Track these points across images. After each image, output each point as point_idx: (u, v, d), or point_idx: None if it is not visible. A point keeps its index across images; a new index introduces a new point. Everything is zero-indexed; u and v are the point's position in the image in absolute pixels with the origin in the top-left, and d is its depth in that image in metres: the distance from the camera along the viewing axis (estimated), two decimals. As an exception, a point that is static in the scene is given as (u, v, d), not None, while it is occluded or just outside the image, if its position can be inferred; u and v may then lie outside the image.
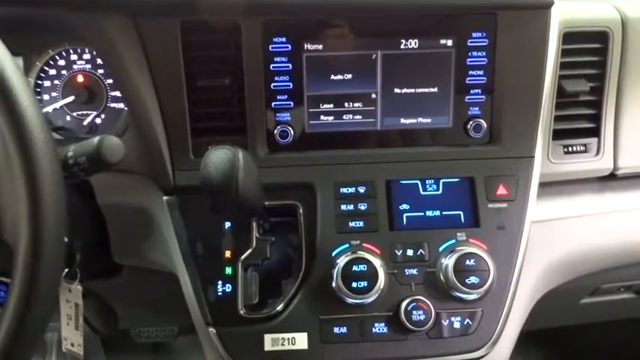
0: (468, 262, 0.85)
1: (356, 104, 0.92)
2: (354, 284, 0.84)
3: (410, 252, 0.88)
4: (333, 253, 0.87)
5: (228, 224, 0.89)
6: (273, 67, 0.89)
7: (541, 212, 0.94)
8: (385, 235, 0.89)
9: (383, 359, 0.87)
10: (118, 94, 0.99)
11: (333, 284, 0.85)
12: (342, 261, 0.85)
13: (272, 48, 0.89)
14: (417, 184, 0.92)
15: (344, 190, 0.90)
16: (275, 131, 0.92)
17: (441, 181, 0.92)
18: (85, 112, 1.00)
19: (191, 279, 0.88)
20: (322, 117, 0.92)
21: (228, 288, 0.87)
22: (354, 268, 0.84)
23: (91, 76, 1.00)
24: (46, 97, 1.00)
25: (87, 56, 1.00)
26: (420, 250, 0.88)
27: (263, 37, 0.88)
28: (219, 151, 0.72)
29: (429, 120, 0.93)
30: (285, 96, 0.91)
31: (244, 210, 0.80)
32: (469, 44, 0.90)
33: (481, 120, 0.93)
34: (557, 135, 0.98)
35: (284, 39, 0.88)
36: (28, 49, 0.98)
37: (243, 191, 0.72)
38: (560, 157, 0.99)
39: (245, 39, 0.87)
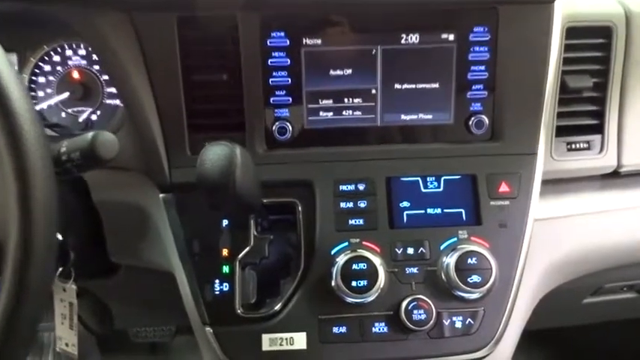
0: (469, 260, 0.84)
1: (356, 100, 0.91)
2: (354, 283, 0.83)
3: (410, 250, 0.87)
4: (333, 252, 0.86)
5: (225, 222, 0.88)
6: (271, 62, 0.88)
7: (543, 210, 0.93)
8: (385, 233, 0.88)
9: (383, 359, 0.86)
10: (114, 90, 0.98)
11: (333, 283, 0.84)
12: (341, 259, 0.84)
13: (270, 43, 0.87)
14: (417, 181, 0.91)
15: (343, 187, 0.89)
16: (273, 127, 0.91)
17: (442, 178, 0.91)
18: (80, 109, 0.99)
19: (188, 278, 0.87)
20: (321, 113, 0.91)
21: (226, 287, 0.86)
22: (354, 266, 0.83)
23: (87, 72, 0.99)
24: (40, 93, 0.99)
25: (82, 52, 0.99)
26: (421, 249, 0.87)
27: (261, 31, 0.87)
28: (217, 147, 0.71)
29: (430, 116, 0.92)
30: (284, 92, 0.90)
31: (242, 207, 0.79)
32: (471, 39, 0.89)
33: (483, 116, 0.92)
34: (560, 132, 0.97)
35: (282, 34, 0.87)
36: (22, 45, 0.97)
37: (240, 188, 0.70)
38: (563, 154, 0.98)
39: (242, 34, 0.86)
